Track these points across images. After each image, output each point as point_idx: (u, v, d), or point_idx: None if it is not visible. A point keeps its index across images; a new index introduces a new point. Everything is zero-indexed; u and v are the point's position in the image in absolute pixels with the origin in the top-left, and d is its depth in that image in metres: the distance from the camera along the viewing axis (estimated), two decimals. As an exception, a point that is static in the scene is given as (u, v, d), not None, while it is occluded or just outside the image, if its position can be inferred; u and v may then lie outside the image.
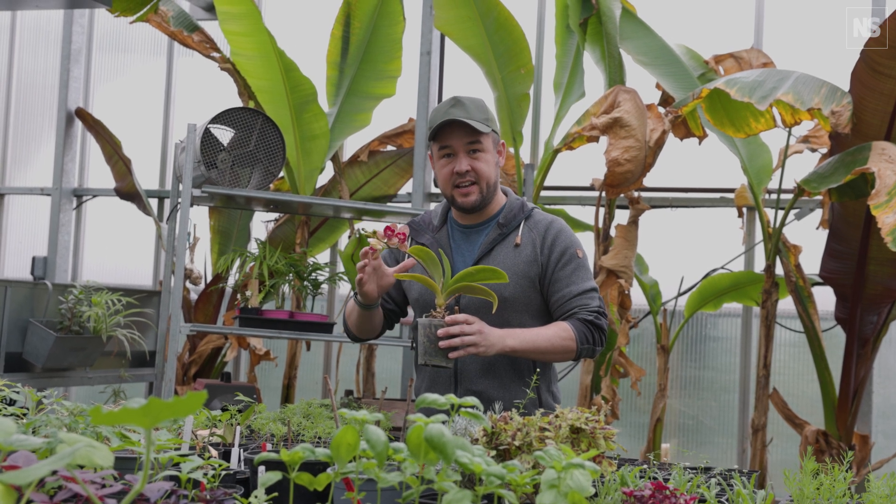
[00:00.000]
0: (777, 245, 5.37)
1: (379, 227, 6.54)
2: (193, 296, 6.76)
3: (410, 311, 3.23)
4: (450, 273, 2.67)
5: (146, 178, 7.40)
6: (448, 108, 2.89)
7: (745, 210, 5.99)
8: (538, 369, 2.88)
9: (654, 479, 2.20)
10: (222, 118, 4.93)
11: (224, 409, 3.01)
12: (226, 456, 2.51)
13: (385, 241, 2.63)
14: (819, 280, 5.37)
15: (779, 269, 5.50)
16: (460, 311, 2.89)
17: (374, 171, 6.66)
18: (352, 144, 6.83)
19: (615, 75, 5.62)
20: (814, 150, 5.63)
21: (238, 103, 6.23)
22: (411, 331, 2.80)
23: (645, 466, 2.50)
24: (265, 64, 5.73)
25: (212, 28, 6.38)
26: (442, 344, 2.64)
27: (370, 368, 6.37)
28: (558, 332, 2.84)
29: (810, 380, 5.74)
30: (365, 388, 6.35)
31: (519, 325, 2.91)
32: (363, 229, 6.05)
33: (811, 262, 5.46)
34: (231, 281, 5.54)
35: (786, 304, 5.71)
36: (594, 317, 2.88)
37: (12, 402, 2.65)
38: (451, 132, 2.91)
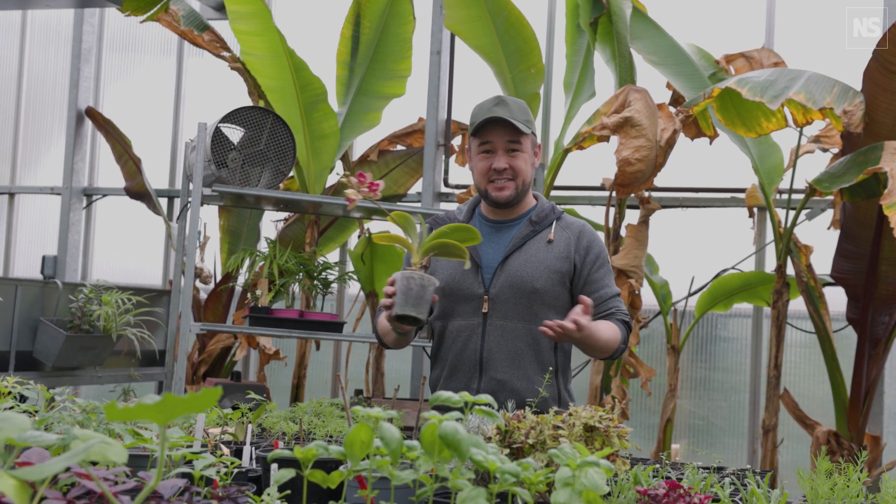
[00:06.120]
0: (788, 245, 5.35)
1: (389, 226, 6.52)
2: (203, 295, 6.76)
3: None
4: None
5: (156, 177, 7.41)
6: (492, 106, 2.96)
7: (755, 210, 5.97)
8: (557, 364, 2.96)
9: (668, 478, 2.19)
10: (233, 117, 4.93)
11: (235, 408, 3.01)
12: (237, 454, 2.50)
13: (359, 188, 2.60)
14: (830, 280, 5.35)
15: (790, 270, 5.48)
16: (489, 300, 2.95)
17: (384, 170, 6.66)
18: (361, 144, 6.83)
19: (626, 75, 5.60)
20: (825, 150, 5.61)
21: (248, 103, 6.23)
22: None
23: (657, 466, 2.49)
24: (275, 63, 5.74)
25: (222, 27, 6.39)
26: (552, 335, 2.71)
27: (380, 368, 6.37)
28: (612, 333, 2.92)
29: (821, 380, 5.72)
30: (374, 388, 6.34)
31: (545, 318, 2.96)
32: (367, 231, 6.04)
33: (822, 263, 5.44)
34: (241, 280, 5.54)
35: (797, 304, 5.69)
36: (628, 319, 3.03)
37: (23, 399, 2.65)
38: (493, 129, 2.97)
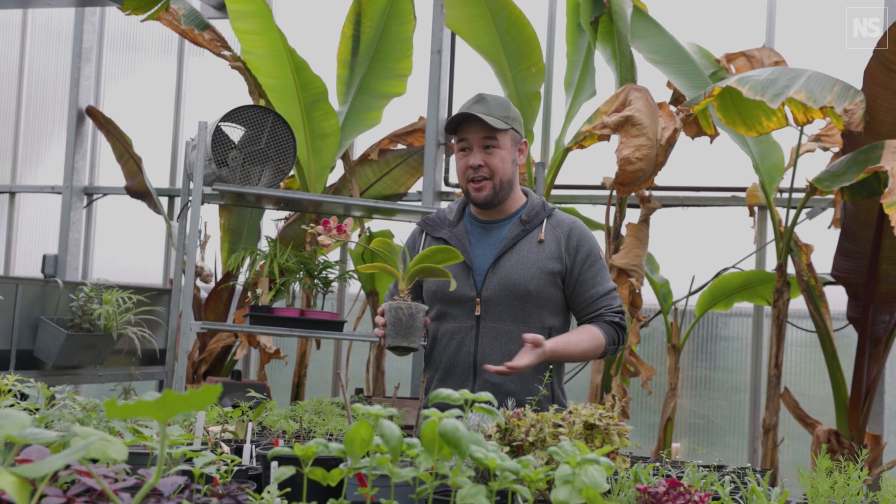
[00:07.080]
0: (789, 244, 5.35)
1: (389, 225, 6.48)
2: (203, 294, 6.76)
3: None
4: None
5: (157, 176, 7.41)
6: (470, 104, 2.95)
7: (756, 209, 5.96)
8: (550, 366, 2.90)
9: (668, 476, 2.19)
10: (233, 116, 4.93)
11: (235, 406, 3.01)
12: (237, 452, 2.50)
13: (330, 234, 2.64)
14: (831, 279, 5.34)
15: (790, 269, 5.48)
16: (482, 302, 2.93)
17: (385, 169, 6.66)
18: (362, 143, 6.83)
19: (626, 74, 5.60)
20: (826, 149, 5.61)
21: (248, 102, 6.23)
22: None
23: (658, 464, 2.49)
24: (276, 62, 5.73)
25: (222, 26, 6.39)
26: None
27: (380, 367, 6.37)
28: (592, 342, 2.94)
29: (822, 380, 5.72)
30: (375, 387, 6.34)
31: (539, 320, 2.97)
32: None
33: (823, 262, 5.44)
34: (241, 279, 5.55)
35: (797, 303, 5.69)
36: (619, 318, 2.99)
37: (24, 397, 2.66)
38: (468, 126, 2.96)
